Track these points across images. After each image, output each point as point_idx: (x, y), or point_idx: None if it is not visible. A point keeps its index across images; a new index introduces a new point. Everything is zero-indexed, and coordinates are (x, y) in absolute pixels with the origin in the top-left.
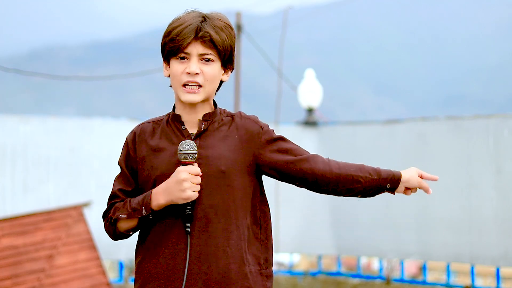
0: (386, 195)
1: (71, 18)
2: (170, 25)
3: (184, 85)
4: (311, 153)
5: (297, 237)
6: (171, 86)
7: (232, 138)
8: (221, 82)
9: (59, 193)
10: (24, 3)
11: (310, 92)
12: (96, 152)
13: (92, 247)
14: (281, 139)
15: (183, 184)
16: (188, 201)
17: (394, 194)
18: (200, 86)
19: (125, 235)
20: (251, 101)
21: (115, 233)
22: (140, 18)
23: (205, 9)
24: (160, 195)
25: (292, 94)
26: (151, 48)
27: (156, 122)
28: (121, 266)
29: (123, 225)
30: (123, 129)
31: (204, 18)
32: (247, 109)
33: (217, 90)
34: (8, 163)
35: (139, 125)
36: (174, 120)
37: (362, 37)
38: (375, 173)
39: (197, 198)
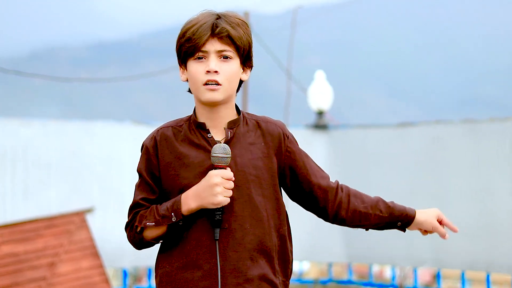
0: (398, 198)
1: (72, 18)
2: (184, 26)
3: (204, 84)
4: (328, 179)
5: (307, 244)
6: (189, 91)
7: (259, 144)
8: (241, 81)
9: (60, 199)
10: (24, 2)
11: (320, 94)
12: (98, 156)
13: (95, 254)
14: (305, 154)
15: (215, 188)
16: (219, 207)
17: (404, 232)
18: (220, 84)
19: (151, 243)
20: (259, 102)
21: (142, 242)
22: (143, 18)
23: (214, 8)
24: (191, 199)
25: (302, 96)
26: (155, 49)
27: (175, 127)
28: (125, 274)
29: (150, 233)
30: (127, 132)
31: (219, 16)
32: (255, 111)
33: (237, 90)
34: (8, 167)
35: (158, 130)
36: (198, 128)
37: (374, 37)
38: (386, 211)
39: (230, 208)
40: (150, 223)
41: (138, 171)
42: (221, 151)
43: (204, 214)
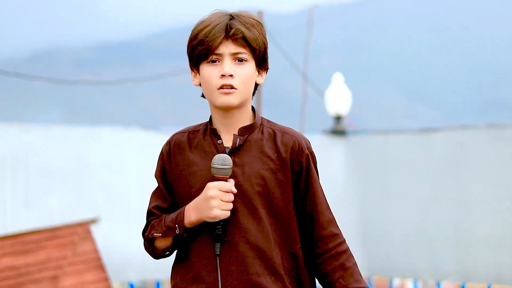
0: (421, 207)
1: (75, 18)
2: (195, 28)
3: (219, 88)
4: (330, 220)
5: None
6: (203, 96)
7: (272, 155)
8: (256, 85)
9: (64, 208)
10: (24, 1)
11: (338, 98)
12: (103, 163)
13: (100, 267)
14: (317, 180)
15: (211, 201)
16: (216, 220)
17: None
18: (235, 88)
19: (165, 254)
20: (274, 107)
21: (154, 253)
22: (150, 17)
23: (225, 8)
24: (192, 212)
25: (318, 100)
26: (162, 50)
27: (192, 132)
28: (131, 287)
29: (159, 244)
30: (133, 138)
31: (232, 16)
32: (269, 116)
33: (253, 94)
34: (8, 175)
35: (173, 135)
36: (211, 134)
37: (394, 38)
38: None
39: (234, 220)
40: (157, 234)
41: (155, 177)
42: (219, 162)
43: (206, 227)
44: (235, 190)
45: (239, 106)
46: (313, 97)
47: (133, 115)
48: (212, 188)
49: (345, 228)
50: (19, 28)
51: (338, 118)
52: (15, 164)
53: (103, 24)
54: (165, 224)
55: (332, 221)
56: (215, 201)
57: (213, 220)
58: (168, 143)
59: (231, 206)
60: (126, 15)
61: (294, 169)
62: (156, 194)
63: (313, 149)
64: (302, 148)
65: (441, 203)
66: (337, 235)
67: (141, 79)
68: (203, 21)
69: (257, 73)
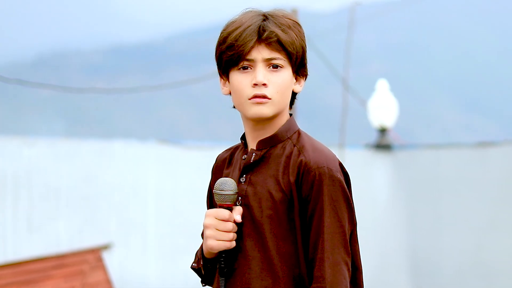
0: (477, 233)
1: (86, 18)
2: (224, 30)
3: (250, 98)
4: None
5: (367, 285)
6: (234, 107)
7: (283, 176)
8: (294, 93)
9: (72, 233)
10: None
11: (382, 108)
12: (118, 183)
13: None
14: (330, 215)
15: (206, 231)
16: (214, 252)
17: None
18: (269, 98)
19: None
20: (310, 118)
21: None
22: (170, 17)
23: (256, 5)
24: (203, 241)
25: (361, 110)
26: (185, 53)
27: (236, 148)
28: None
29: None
30: (151, 153)
31: (266, 17)
32: (304, 129)
33: (291, 104)
34: (9, 195)
35: (221, 152)
36: (243, 149)
37: (448, 40)
38: None
39: (242, 246)
40: (194, 264)
41: None
42: (218, 187)
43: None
44: (238, 219)
45: (272, 118)
46: (354, 107)
47: (151, 128)
48: (207, 217)
49: (391, 255)
50: (21, 29)
51: (382, 131)
52: (16, 183)
53: (116, 24)
54: (197, 254)
55: (326, 265)
56: (209, 230)
57: (211, 251)
58: (215, 161)
59: (229, 236)
60: (143, 14)
61: (300, 195)
62: None
63: (353, 166)
64: (308, 168)
65: (499, 227)
66: (323, 280)
67: (160, 86)
68: (233, 22)
69: (295, 81)
